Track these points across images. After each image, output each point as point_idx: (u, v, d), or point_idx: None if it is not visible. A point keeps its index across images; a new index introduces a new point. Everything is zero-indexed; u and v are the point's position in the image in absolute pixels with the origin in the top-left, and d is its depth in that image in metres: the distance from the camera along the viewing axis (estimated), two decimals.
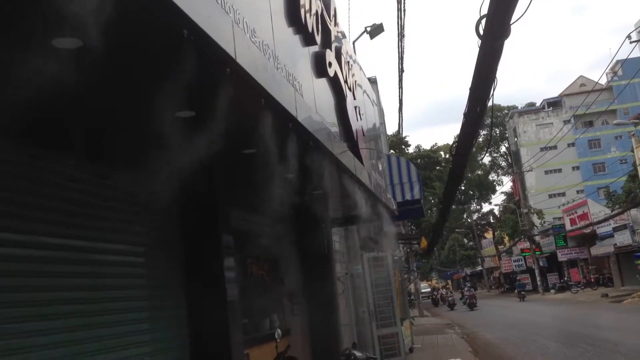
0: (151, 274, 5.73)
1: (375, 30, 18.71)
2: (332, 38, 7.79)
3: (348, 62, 9.07)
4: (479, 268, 73.58)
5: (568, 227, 45.71)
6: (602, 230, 39.89)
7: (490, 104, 8.78)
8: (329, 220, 10.09)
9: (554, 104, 77.74)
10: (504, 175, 79.35)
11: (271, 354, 6.98)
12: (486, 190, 70.87)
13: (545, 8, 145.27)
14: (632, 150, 36.66)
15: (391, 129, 67.18)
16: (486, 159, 75.40)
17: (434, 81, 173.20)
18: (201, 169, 5.47)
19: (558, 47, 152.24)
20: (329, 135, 6.03)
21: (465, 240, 77.14)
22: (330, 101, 7.88)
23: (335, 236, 11.54)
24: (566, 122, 64.78)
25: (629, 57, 21.73)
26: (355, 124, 9.00)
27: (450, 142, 47.28)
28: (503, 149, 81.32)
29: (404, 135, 55.45)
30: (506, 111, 78.67)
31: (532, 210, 53.22)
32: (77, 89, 3.37)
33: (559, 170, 68.60)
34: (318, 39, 6.89)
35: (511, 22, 6.08)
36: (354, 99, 9.42)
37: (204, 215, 6.24)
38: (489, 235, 74.73)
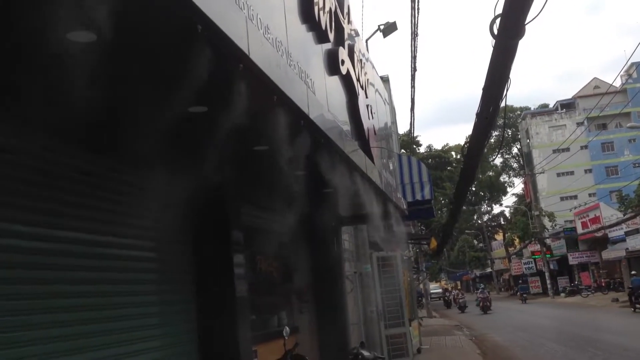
0: (161, 268, 5.75)
1: (389, 29, 18.63)
2: (345, 36, 7.76)
3: (361, 60, 9.04)
4: (489, 270, 73.24)
5: (579, 230, 45.38)
6: (613, 234, 39.53)
7: (503, 104, 8.72)
8: (339, 219, 10.09)
9: (567, 105, 77.16)
10: (516, 176, 79.04)
11: (279, 351, 6.99)
12: (497, 191, 70.57)
13: (559, 8, 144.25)
14: None
15: (402, 128, 66.93)
16: (498, 160, 75.16)
17: (446, 81, 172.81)
18: (212, 165, 5.48)
19: (572, 48, 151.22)
20: (341, 133, 6.02)
21: (475, 242, 76.82)
22: (342, 99, 7.86)
23: (345, 235, 11.52)
24: (579, 124, 64.39)
25: None
26: (366, 123, 8.98)
27: (462, 143, 47.10)
28: (515, 150, 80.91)
29: (415, 134, 55.38)
30: (519, 112, 78.23)
31: (544, 213, 52.88)
32: (90, 82, 3.38)
33: (571, 173, 68.10)
34: (331, 36, 6.87)
35: (526, 22, 6.03)
36: (366, 97, 9.40)
37: (214, 211, 6.26)
38: (499, 237, 74.35)
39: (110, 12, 2.60)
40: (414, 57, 14.97)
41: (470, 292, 72.02)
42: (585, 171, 69.27)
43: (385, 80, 19.30)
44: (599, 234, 41.43)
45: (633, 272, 29.83)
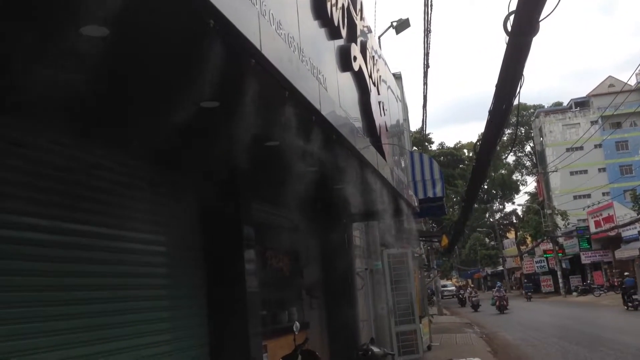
0: (172, 263, 5.79)
1: (402, 26, 18.56)
2: (358, 32, 7.75)
3: (373, 56, 9.03)
4: (500, 268, 72.90)
5: (592, 229, 45.04)
6: (627, 233, 39.18)
7: (516, 102, 8.67)
8: (350, 215, 10.08)
9: (581, 104, 76.46)
10: (528, 175, 78.43)
11: (289, 346, 7.00)
12: (509, 189, 70.13)
13: (573, 7, 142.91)
14: None
15: (415, 125, 66.82)
16: (510, 158, 74.64)
17: (459, 78, 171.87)
18: (224, 160, 5.51)
19: (586, 46, 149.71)
20: (352, 129, 6.02)
21: (487, 240, 76.45)
22: (354, 95, 7.86)
23: (356, 231, 11.52)
24: (593, 122, 63.81)
25: None
26: (378, 119, 8.97)
27: (475, 140, 46.91)
28: (528, 148, 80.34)
29: (427, 132, 55.17)
30: (532, 110, 77.64)
31: (556, 212, 52.52)
32: (102, 77, 3.40)
33: (585, 172, 67.51)
34: (344, 32, 6.87)
35: (540, 19, 5.99)
36: (378, 94, 9.39)
37: (226, 207, 6.28)
38: (511, 235, 73.93)
39: (122, 7, 2.61)
40: (426, 54, 14.91)
41: (482, 290, 71.75)
42: (599, 170, 68.64)
43: (397, 77, 19.26)
44: (612, 233, 41.10)
45: (626, 274, 31.57)
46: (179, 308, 5.79)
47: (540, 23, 6.08)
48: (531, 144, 79.56)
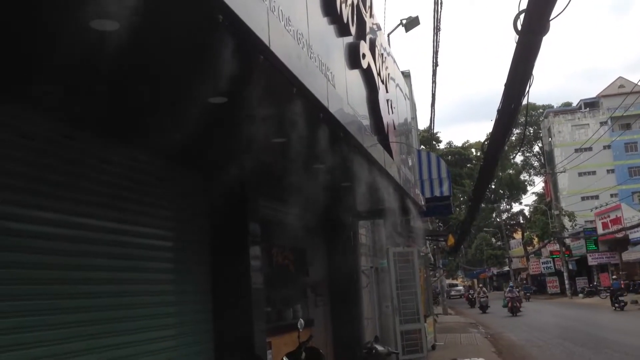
0: (178, 258, 5.80)
1: (411, 23, 18.51)
2: (367, 29, 7.72)
3: (382, 54, 9.00)
4: (506, 268, 72.68)
5: (600, 231, 44.83)
6: (634, 235, 38.98)
7: (525, 101, 8.61)
8: (356, 213, 10.07)
9: (591, 104, 76.02)
10: (536, 175, 78.13)
11: (293, 343, 7.00)
12: (517, 189, 69.85)
13: (584, 7, 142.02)
14: None
15: (423, 124, 66.59)
16: (518, 158, 74.35)
17: (468, 77, 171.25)
18: (231, 156, 5.51)
19: (597, 46, 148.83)
20: (360, 127, 6.00)
21: (494, 240, 76.24)
22: (362, 93, 7.83)
23: (362, 229, 11.50)
24: (603, 123, 63.42)
25: None
26: (386, 117, 8.94)
27: (483, 140, 46.76)
28: (536, 148, 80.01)
29: (435, 131, 55.02)
30: (541, 110, 77.28)
31: (564, 212, 52.29)
32: (112, 72, 3.40)
33: (593, 173, 67.16)
34: (353, 29, 6.84)
35: (550, 18, 5.94)
36: (387, 92, 9.36)
37: (232, 203, 6.28)
38: (517, 235, 73.69)
39: (132, 1, 2.61)
40: (435, 52, 14.87)
41: (488, 291, 71.62)
42: (608, 171, 68.24)
43: (406, 75, 19.19)
44: (620, 235, 40.89)
45: (614, 277, 34.88)
46: (185, 303, 5.80)
47: (551, 22, 6.04)
48: (539, 144, 79.22)
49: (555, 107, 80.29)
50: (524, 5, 5.99)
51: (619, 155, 69.04)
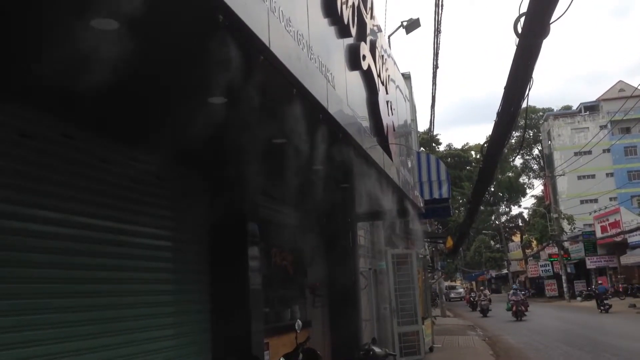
0: (176, 258, 5.80)
1: (412, 25, 18.52)
2: (368, 31, 7.73)
3: (382, 56, 9.00)
4: (505, 271, 72.66)
5: (599, 234, 44.85)
6: (633, 239, 39.02)
7: (524, 104, 8.61)
8: (355, 215, 10.07)
9: (591, 108, 76.06)
10: (536, 178, 78.13)
11: (290, 344, 7.00)
12: (516, 192, 69.86)
13: (585, 7, 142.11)
14: None
15: (423, 126, 66.65)
16: (518, 161, 74.39)
17: (468, 79, 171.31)
18: (230, 157, 5.50)
19: (597, 50, 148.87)
20: (359, 128, 6.00)
21: (492, 242, 76.22)
22: (362, 94, 7.83)
23: (361, 231, 11.50)
24: (603, 127, 63.43)
25: None
26: (386, 119, 8.94)
27: (482, 142, 46.74)
28: (536, 151, 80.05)
29: (435, 133, 55.02)
30: (541, 113, 77.32)
31: (563, 216, 52.29)
32: (112, 72, 3.40)
33: (593, 176, 67.19)
34: (353, 31, 6.84)
35: (551, 21, 5.94)
36: (387, 93, 9.36)
37: (231, 203, 6.28)
38: (516, 238, 73.69)
39: (132, 1, 2.61)
40: (436, 54, 14.88)
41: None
42: (607, 175, 68.30)
43: (406, 77, 19.22)
44: (618, 239, 40.92)
45: (600, 282, 36.60)
46: (184, 303, 5.80)
47: (551, 25, 6.04)
48: (539, 147, 79.25)
49: (555, 110, 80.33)
50: (524, 8, 6.00)
51: (619, 159, 69.09)
